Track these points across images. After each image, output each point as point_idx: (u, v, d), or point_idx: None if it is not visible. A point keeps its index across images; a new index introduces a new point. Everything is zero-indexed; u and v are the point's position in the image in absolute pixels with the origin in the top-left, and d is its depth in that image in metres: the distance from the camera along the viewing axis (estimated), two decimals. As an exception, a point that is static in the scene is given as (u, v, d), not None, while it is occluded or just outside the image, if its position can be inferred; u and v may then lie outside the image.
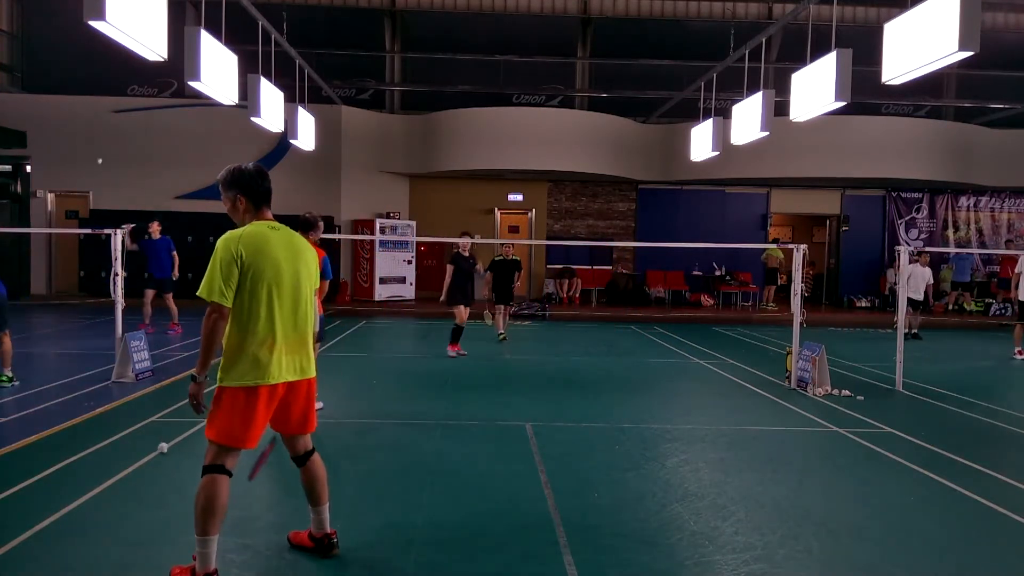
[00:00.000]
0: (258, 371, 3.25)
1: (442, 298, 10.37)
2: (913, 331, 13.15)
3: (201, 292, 3.20)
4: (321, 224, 6.60)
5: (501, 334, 11.83)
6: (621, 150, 18.03)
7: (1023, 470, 5.31)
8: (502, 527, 4.06)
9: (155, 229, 11.56)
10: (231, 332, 3.27)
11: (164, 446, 5.23)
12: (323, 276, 6.70)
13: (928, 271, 12.73)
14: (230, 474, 3.28)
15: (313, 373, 3.52)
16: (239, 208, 3.45)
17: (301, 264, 3.42)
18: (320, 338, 6.61)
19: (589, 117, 18.06)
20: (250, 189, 3.44)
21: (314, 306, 3.58)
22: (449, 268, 10.34)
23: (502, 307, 11.83)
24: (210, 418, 3.29)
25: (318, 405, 6.53)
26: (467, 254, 10.42)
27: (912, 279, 9.38)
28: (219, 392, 3.27)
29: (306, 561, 3.59)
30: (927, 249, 18.18)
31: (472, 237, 10.69)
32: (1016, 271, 11.13)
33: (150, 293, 11.36)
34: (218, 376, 3.28)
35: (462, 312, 10.28)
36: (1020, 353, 11.06)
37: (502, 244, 11.74)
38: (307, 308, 3.46)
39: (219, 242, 3.27)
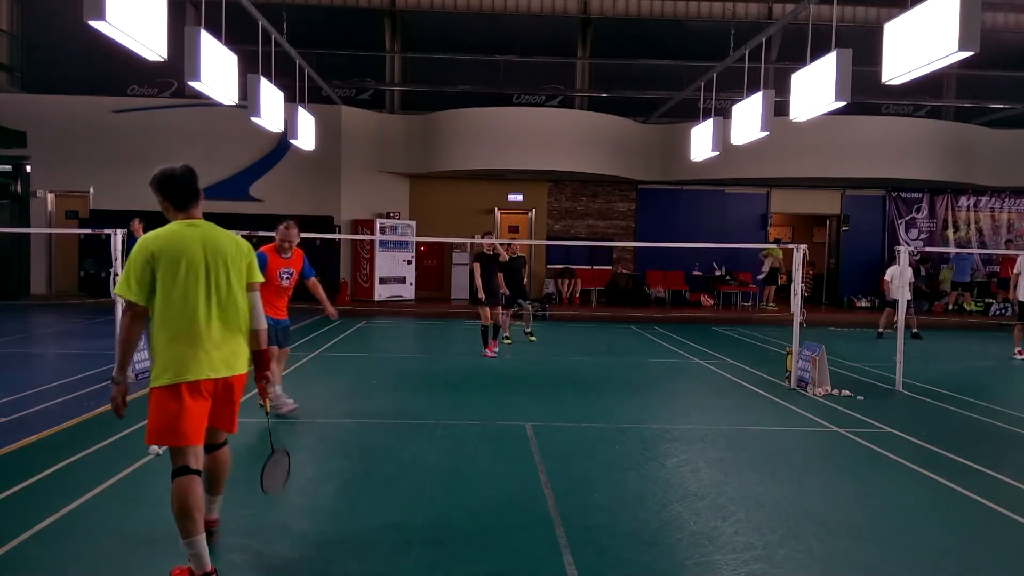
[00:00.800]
0: (180, 368, 3.26)
1: (480, 295, 10.23)
2: (913, 331, 13.15)
3: (117, 291, 3.34)
4: (284, 227, 6.57)
5: (527, 332, 11.89)
6: (621, 150, 18.03)
7: (1023, 470, 5.31)
8: (502, 527, 4.06)
9: (137, 227, 11.49)
10: (155, 332, 3.33)
11: (157, 448, 5.22)
12: (304, 275, 6.87)
13: (909, 269, 12.74)
14: (197, 472, 3.31)
15: (243, 370, 3.49)
16: (164, 208, 3.50)
17: (220, 260, 3.42)
18: (283, 343, 6.61)
19: (589, 117, 18.06)
20: (168, 190, 3.45)
21: (253, 302, 3.59)
22: (476, 267, 10.30)
23: (510, 309, 11.52)
24: (149, 421, 3.32)
25: (291, 402, 6.52)
26: (491, 252, 10.45)
27: (901, 278, 9.41)
28: (150, 394, 3.32)
29: (306, 561, 3.59)
30: (927, 249, 18.25)
31: (492, 236, 10.77)
32: (1015, 271, 11.13)
33: None
34: (151, 378, 3.33)
35: (487, 312, 10.25)
36: (1020, 353, 11.06)
37: (508, 244, 11.64)
38: (232, 304, 3.45)
39: (136, 243, 3.37)
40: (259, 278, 3.63)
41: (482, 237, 10.74)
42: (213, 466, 3.62)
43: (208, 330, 3.34)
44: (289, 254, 6.60)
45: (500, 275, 10.78)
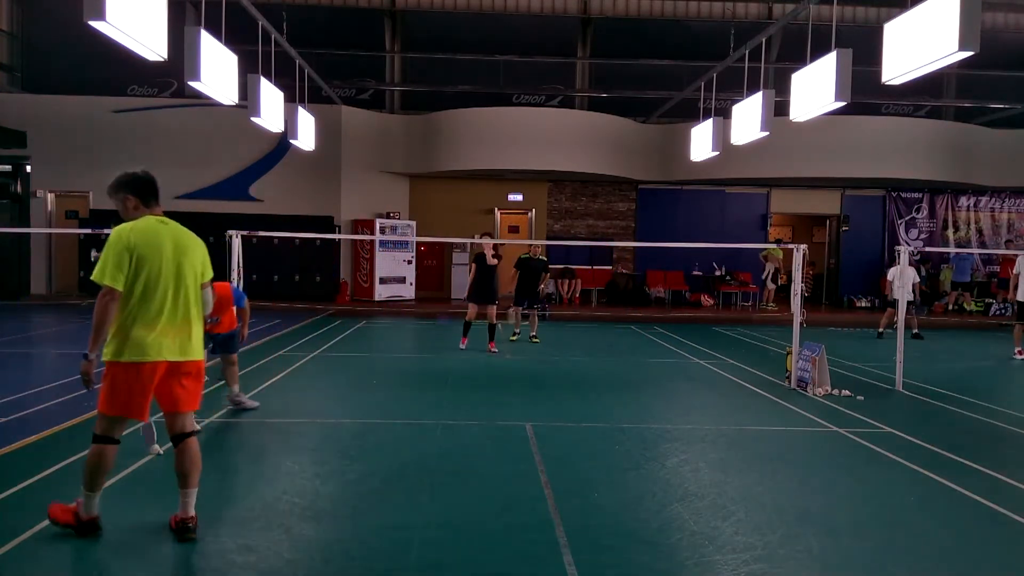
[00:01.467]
0: (139, 349, 3.61)
1: (467, 292, 11.02)
2: (914, 331, 13.14)
3: (95, 276, 3.58)
4: None
5: (532, 336, 11.87)
6: (621, 150, 18.03)
7: (1023, 470, 5.31)
8: (502, 527, 4.06)
9: None
10: (120, 313, 3.63)
11: (157, 448, 5.22)
12: (237, 303, 6.67)
13: (911, 270, 12.75)
14: (117, 442, 3.76)
15: (196, 356, 3.82)
16: (128, 207, 3.83)
17: (184, 257, 3.80)
18: (231, 349, 6.62)
19: (589, 117, 18.06)
20: (137, 188, 3.83)
21: (205, 297, 3.96)
22: (472, 267, 10.93)
23: (519, 308, 11.90)
24: (100, 392, 3.70)
25: (253, 404, 6.60)
26: (491, 253, 10.82)
27: (902, 278, 9.40)
28: (106, 367, 3.67)
29: (305, 561, 3.59)
30: (927, 249, 18.26)
31: (492, 237, 11.06)
32: (1014, 271, 11.13)
33: None
34: (105, 352, 3.64)
35: (473, 309, 10.81)
36: (1020, 353, 11.06)
37: (531, 244, 12.16)
38: (189, 296, 3.81)
39: (113, 232, 3.68)
40: (211, 275, 4.05)
41: (480, 237, 10.91)
42: (183, 459, 3.85)
43: (170, 317, 3.70)
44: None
45: (506, 276, 11.47)
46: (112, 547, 3.70)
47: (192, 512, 3.81)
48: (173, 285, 3.73)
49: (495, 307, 10.88)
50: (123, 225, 3.71)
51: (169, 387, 3.76)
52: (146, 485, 4.59)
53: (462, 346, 10.71)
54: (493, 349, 10.63)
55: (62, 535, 3.77)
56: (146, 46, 6.65)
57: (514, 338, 11.85)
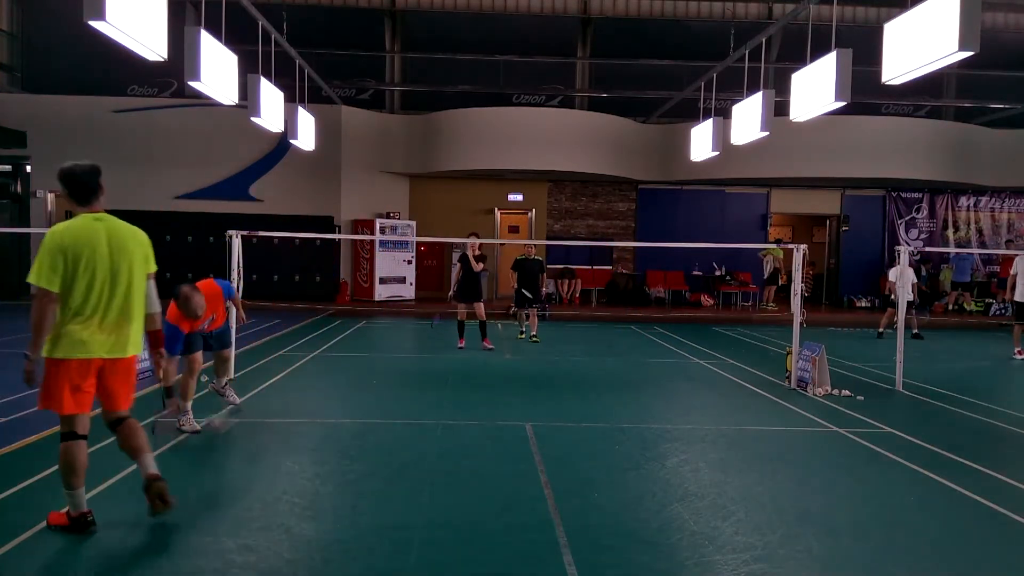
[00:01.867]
0: (72, 346, 3.68)
1: (450, 294, 11.23)
2: (914, 331, 13.14)
3: (30, 278, 3.62)
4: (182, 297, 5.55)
5: (532, 336, 11.93)
6: (621, 150, 18.02)
7: (1023, 470, 5.31)
8: (502, 527, 4.06)
9: None
10: (59, 312, 3.69)
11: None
12: (227, 295, 6.29)
13: (911, 271, 12.79)
14: (84, 436, 3.79)
15: (131, 352, 3.86)
16: (69, 204, 3.84)
17: (121, 254, 3.80)
18: (225, 343, 6.58)
19: (589, 117, 18.05)
20: (72, 186, 3.80)
21: (148, 290, 3.97)
22: (457, 266, 11.07)
23: (522, 309, 12.10)
24: (40, 389, 3.75)
25: (235, 399, 6.53)
26: (476, 254, 10.94)
27: (902, 278, 9.38)
28: (45, 364, 3.72)
29: (305, 561, 3.59)
30: (927, 249, 18.25)
31: (480, 238, 11.21)
32: (1012, 272, 11.13)
33: None
34: (43, 349, 3.69)
35: (461, 309, 10.95)
36: (1020, 353, 11.06)
37: (526, 244, 12.36)
38: (130, 293, 3.84)
39: (47, 233, 3.71)
40: (154, 268, 4.02)
41: (468, 237, 11.02)
42: (124, 438, 3.94)
43: (106, 316, 3.74)
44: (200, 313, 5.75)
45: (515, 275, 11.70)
46: (112, 547, 3.70)
47: (153, 469, 3.93)
48: (109, 283, 3.76)
49: (483, 305, 11.08)
50: (57, 226, 3.74)
51: (105, 383, 3.83)
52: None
53: (460, 345, 10.82)
54: (488, 346, 10.81)
55: (61, 536, 3.78)
56: (146, 46, 6.65)
57: (521, 336, 12.08)
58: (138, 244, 3.92)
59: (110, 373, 3.82)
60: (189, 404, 5.91)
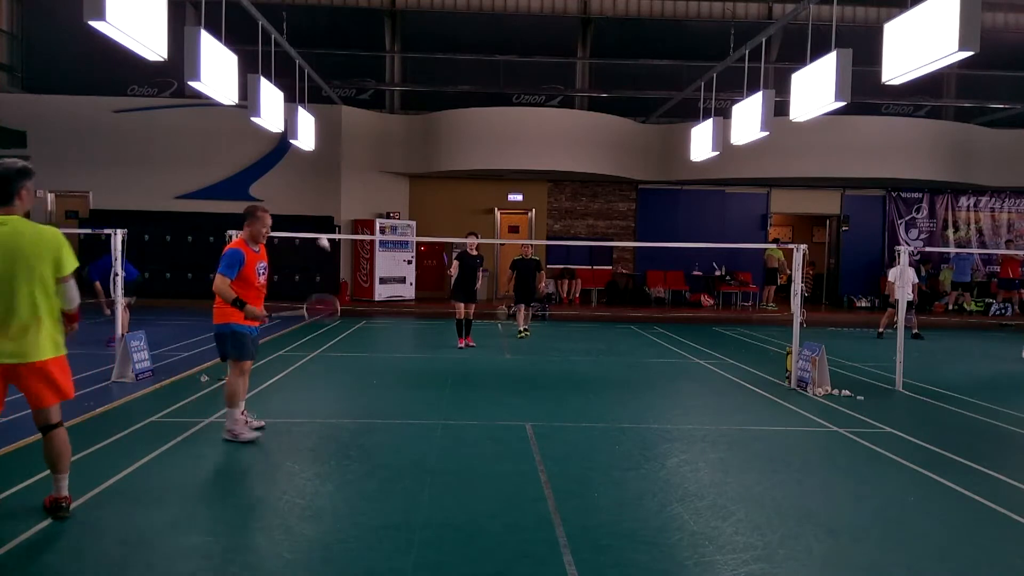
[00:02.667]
0: None
1: (450, 294, 11.39)
2: (914, 331, 13.13)
3: None
4: (258, 216, 5.69)
5: (523, 330, 12.24)
6: (621, 150, 18.03)
7: (1023, 470, 5.31)
8: (502, 527, 4.06)
9: None
10: None
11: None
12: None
13: (911, 270, 12.73)
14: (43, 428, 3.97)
15: (35, 358, 3.78)
16: None
17: (16, 260, 3.73)
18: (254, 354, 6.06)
19: (589, 117, 18.06)
20: None
21: (65, 292, 3.89)
22: (455, 264, 11.12)
23: (522, 306, 12.30)
24: None
25: (258, 422, 5.86)
26: (474, 253, 11.08)
27: (902, 279, 9.35)
28: None
29: (305, 561, 3.59)
30: (927, 249, 18.25)
31: (478, 237, 11.34)
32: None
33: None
34: None
35: (460, 308, 11.02)
36: None
37: (522, 244, 12.62)
38: (29, 301, 3.75)
39: None
40: (66, 272, 3.91)
41: (465, 237, 11.15)
42: (49, 449, 3.98)
43: (5, 323, 3.72)
44: (257, 248, 5.82)
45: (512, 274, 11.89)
46: (112, 547, 3.70)
47: (66, 493, 3.97)
48: (6, 291, 3.72)
49: (475, 306, 11.20)
50: None
51: (24, 387, 3.86)
52: (146, 485, 4.58)
53: (460, 345, 10.90)
54: (470, 343, 10.99)
55: (62, 535, 3.77)
56: (146, 46, 6.65)
57: (520, 336, 12.14)
58: (45, 247, 3.83)
59: (24, 378, 3.82)
60: (240, 410, 5.67)
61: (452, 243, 18.03)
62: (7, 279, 3.72)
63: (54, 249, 3.86)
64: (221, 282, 5.47)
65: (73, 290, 3.98)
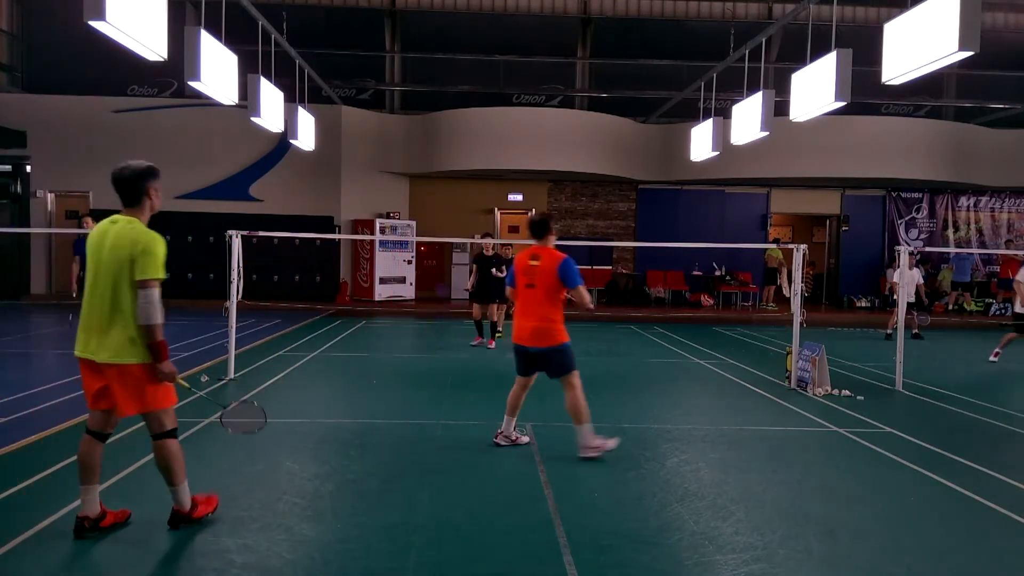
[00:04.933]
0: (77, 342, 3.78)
1: (469, 290, 11.47)
2: (914, 331, 13.13)
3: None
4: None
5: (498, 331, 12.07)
6: (621, 150, 18.03)
7: (1023, 470, 5.31)
8: (502, 527, 4.06)
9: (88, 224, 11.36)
10: None
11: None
12: (566, 283, 5.43)
13: (914, 272, 12.73)
14: (88, 432, 3.84)
15: (107, 358, 3.67)
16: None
17: (110, 256, 3.70)
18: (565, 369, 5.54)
19: (589, 117, 18.06)
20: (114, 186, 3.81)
21: (141, 300, 3.66)
22: (474, 267, 11.36)
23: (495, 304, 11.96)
24: None
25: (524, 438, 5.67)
26: (489, 254, 11.21)
27: (902, 278, 9.31)
28: None
29: (305, 561, 3.59)
30: (927, 249, 18.25)
31: (493, 237, 11.38)
32: (1018, 279, 10.91)
33: None
34: None
35: (475, 308, 11.18)
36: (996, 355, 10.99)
37: (503, 245, 12.33)
38: (117, 295, 3.68)
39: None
40: (139, 275, 3.70)
41: (481, 238, 11.16)
42: (91, 452, 3.86)
43: (89, 315, 3.79)
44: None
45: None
46: (112, 547, 3.70)
47: (96, 508, 3.84)
48: (92, 283, 3.77)
49: (495, 305, 11.14)
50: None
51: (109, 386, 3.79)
52: (145, 485, 4.58)
53: (474, 343, 11.09)
54: (491, 345, 10.93)
55: (62, 536, 3.78)
56: (146, 46, 6.65)
57: (499, 335, 11.73)
58: (125, 247, 3.67)
59: (103, 376, 3.75)
60: (514, 420, 5.70)
61: (452, 243, 18.08)
62: (97, 273, 3.74)
63: (133, 246, 3.67)
64: (586, 292, 5.46)
65: (147, 301, 3.65)
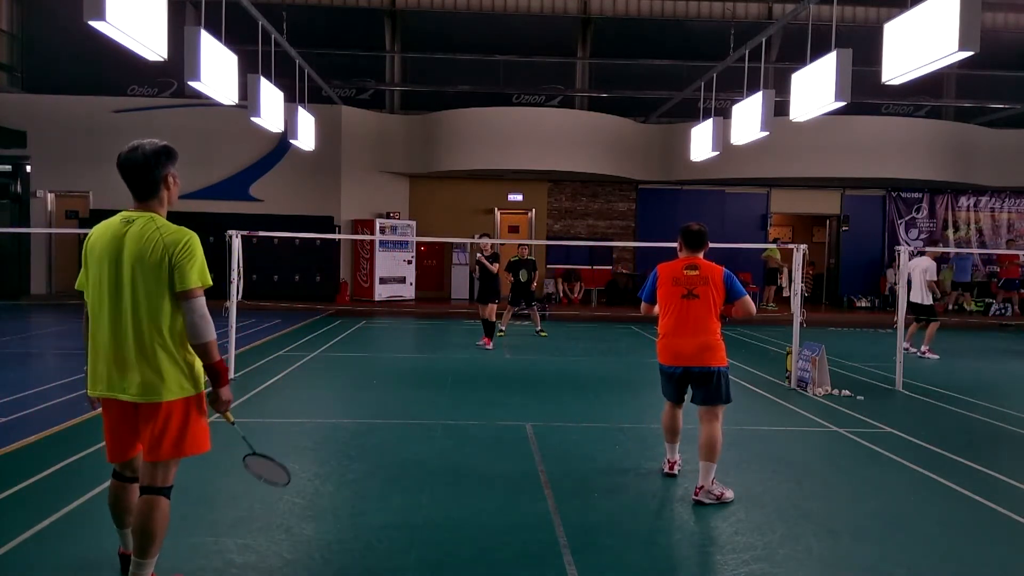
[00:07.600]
0: (89, 377, 3.01)
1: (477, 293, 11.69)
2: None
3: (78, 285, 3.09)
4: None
5: (539, 331, 12.47)
6: (621, 150, 18.03)
7: (1023, 470, 5.31)
8: (502, 527, 4.05)
9: None
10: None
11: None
12: (733, 293, 4.97)
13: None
14: (116, 476, 3.17)
15: (134, 395, 2.90)
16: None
17: (122, 260, 2.91)
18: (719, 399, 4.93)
19: (589, 117, 18.06)
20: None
21: (188, 315, 2.92)
22: (478, 268, 11.53)
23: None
24: None
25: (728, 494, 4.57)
26: (487, 253, 11.34)
27: (903, 278, 9.16)
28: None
29: (305, 561, 3.59)
30: (927, 248, 18.22)
31: (490, 237, 11.44)
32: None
33: None
34: None
35: (480, 309, 11.30)
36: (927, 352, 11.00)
37: (521, 245, 12.66)
38: (139, 315, 2.90)
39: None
40: (180, 285, 2.94)
41: (479, 238, 11.20)
42: (136, 511, 3.02)
43: (112, 343, 2.96)
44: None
45: (502, 274, 11.75)
46: (111, 547, 3.70)
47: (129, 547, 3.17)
48: (110, 300, 2.91)
49: (494, 306, 11.16)
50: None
51: (139, 427, 3.01)
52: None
53: (480, 343, 11.12)
54: (488, 346, 10.92)
55: (62, 536, 3.77)
56: (146, 46, 6.65)
57: (500, 334, 12.04)
58: (157, 250, 2.90)
59: (126, 415, 2.99)
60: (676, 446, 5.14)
61: (452, 243, 18.08)
62: (120, 290, 2.90)
63: (165, 250, 2.91)
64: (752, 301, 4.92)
65: (198, 314, 2.90)
